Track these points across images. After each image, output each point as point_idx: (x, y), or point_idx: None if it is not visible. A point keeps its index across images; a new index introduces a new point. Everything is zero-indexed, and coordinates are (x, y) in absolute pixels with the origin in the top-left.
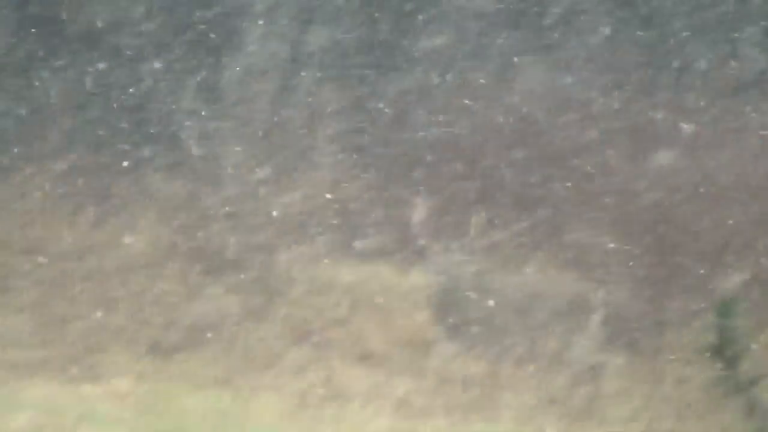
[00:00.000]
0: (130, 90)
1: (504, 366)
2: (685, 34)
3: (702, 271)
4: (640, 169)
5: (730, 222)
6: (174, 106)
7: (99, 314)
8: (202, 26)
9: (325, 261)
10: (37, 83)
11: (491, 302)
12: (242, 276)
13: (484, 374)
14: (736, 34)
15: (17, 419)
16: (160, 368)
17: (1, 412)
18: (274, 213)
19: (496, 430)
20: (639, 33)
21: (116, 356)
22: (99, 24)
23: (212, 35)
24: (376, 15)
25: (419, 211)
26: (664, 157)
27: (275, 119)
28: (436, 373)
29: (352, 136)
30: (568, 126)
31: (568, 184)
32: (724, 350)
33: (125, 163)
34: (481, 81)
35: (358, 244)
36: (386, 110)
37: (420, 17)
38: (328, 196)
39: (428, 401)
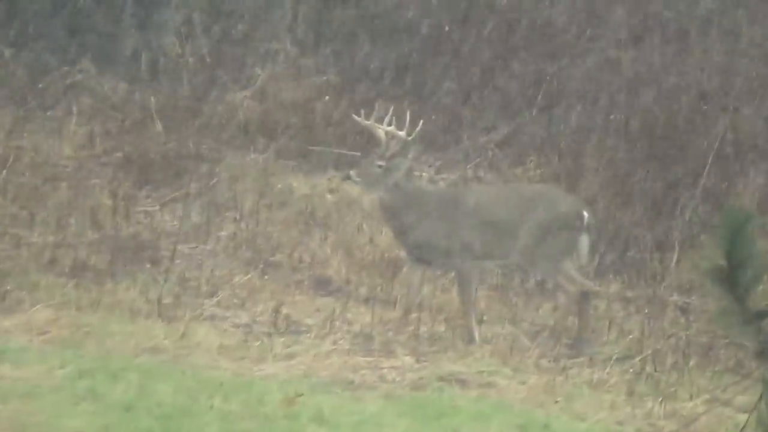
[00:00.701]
0: None
1: (480, 294)
2: None
3: (708, 186)
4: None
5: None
6: None
7: (16, 233)
8: None
9: (277, 171)
10: None
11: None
12: (181, 189)
13: (456, 303)
14: None
15: None
16: (86, 296)
17: None
18: (222, 116)
19: (469, 370)
20: None
21: (36, 282)
22: None
23: None
24: None
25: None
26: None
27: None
28: (401, 303)
29: (316, 32)
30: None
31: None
32: (732, 277)
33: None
34: None
35: (315, 152)
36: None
37: None
38: (288, 96)
39: (391, 335)
